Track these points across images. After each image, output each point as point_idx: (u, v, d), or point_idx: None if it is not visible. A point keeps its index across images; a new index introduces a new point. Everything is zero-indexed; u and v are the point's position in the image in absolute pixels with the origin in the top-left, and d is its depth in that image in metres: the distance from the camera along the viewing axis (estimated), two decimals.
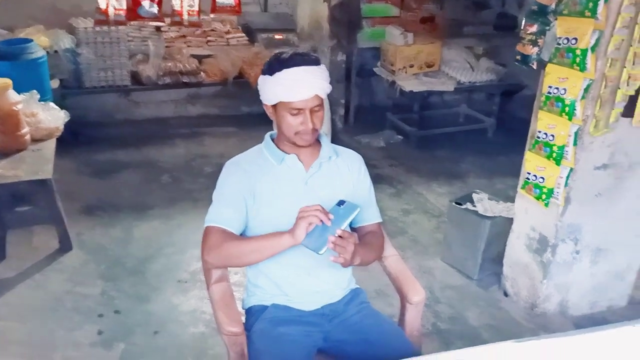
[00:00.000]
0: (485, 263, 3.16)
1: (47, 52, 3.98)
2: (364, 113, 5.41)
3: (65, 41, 4.15)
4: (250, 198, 1.76)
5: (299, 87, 1.67)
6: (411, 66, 4.81)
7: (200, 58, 4.77)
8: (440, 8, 5.26)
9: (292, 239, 1.60)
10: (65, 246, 3.23)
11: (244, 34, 4.98)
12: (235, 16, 5.13)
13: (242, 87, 4.92)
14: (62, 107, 3.33)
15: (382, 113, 5.26)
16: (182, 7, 3.89)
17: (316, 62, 1.73)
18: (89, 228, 3.46)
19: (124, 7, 3.84)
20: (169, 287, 2.99)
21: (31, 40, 3.60)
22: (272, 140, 1.84)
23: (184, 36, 4.78)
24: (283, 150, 1.80)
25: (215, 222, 1.73)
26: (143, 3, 3.76)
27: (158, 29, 4.73)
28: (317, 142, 1.84)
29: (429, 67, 4.89)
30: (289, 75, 1.68)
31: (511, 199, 3.16)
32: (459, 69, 4.91)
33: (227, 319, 1.71)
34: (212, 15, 3.99)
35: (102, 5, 3.83)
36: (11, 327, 2.64)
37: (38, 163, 2.93)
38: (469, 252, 3.16)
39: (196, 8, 3.93)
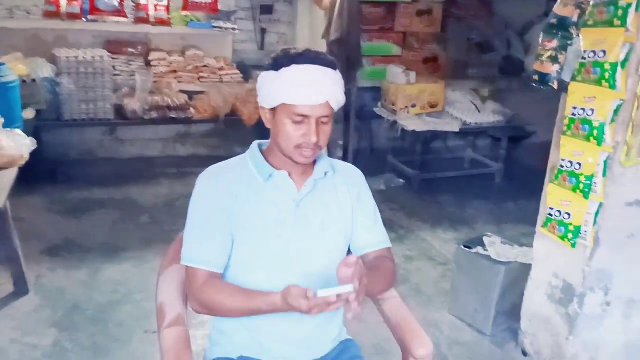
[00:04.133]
0: (500, 316, 2.75)
1: (24, 81, 3.72)
2: (364, 156, 5.10)
3: (45, 70, 3.90)
4: (233, 221, 1.42)
5: (307, 88, 1.34)
6: (414, 106, 4.54)
7: (190, 94, 4.51)
8: (444, 49, 5.06)
9: (284, 310, 1.34)
10: (20, 289, 2.84)
11: (238, 71, 4.75)
12: (230, 55, 4.94)
13: (234, 125, 4.64)
14: (38, 141, 3.01)
15: (383, 156, 4.97)
16: (148, 1, 3.48)
17: (332, 64, 1.40)
18: (51, 270, 3.08)
19: None
20: (134, 338, 2.58)
21: (2, 64, 3.34)
22: (261, 151, 1.49)
23: (174, 71, 4.54)
24: (272, 165, 1.45)
25: (196, 262, 1.40)
26: None
27: (148, 63, 4.50)
28: None
29: (433, 107, 4.62)
30: (297, 73, 1.35)
31: (524, 247, 2.81)
32: (464, 110, 4.65)
33: None
34: (183, 13, 3.62)
35: None
36: None
37: None
38: (481, 304, 2.76)
39: (165, 3, 3.52)
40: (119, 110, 4.25)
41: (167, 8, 3.52)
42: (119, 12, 3.48)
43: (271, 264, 1.43)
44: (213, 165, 1.50)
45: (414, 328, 1.51)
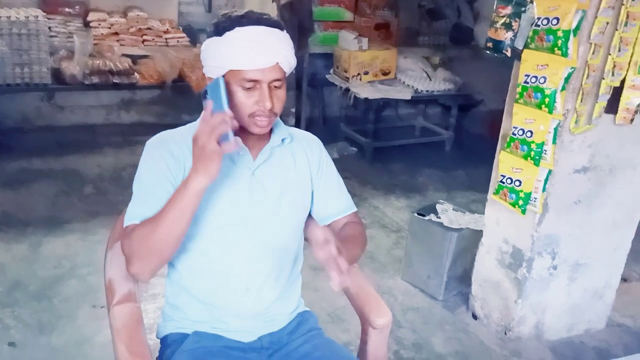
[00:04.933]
0: (451, 281, 2.81)
1: None
2: (316, 124, 5.06)
3: None
4: None
5: (255, 51, 1.26)
6: (366, 73, 4.51)
7: (134, 58, 4.30)
8: (395, 15, 5.01)
9: (205, 180, 1.22)
10: None
11: (184, 35, 4.56)
12: (176, 17, 4.73)
13: (182, 92, 4.47)
14: None
15: (335, 124, 4.95)
16: None
17: (278, 25, 1.32)
18: None
19: None
20: (80, 314, 2.48)
21: None
22: None
23: (116, 33, 4.31)
24: None
25: (136, 220, 1.29)
26: None
27: (87, 24, 4.25)
28: None
29: (385, 74, 4.60)
30: (243, 35, 1.26)
31: (472, 213, 2.86)
32: (415, 77, 4.65)
33: (128, 352, 1.26)
34: None
35: None
36: None
37: None
38: (433, 270, 2.81)
39: None
40: (57, 74, 4.01)
41: None
42: None
43: (226, 234, 1.37)
44: (162, 132, 1.41)
45: (372, 298, 1.50)
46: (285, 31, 1.35)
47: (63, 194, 3.54)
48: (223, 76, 1.30)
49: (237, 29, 1.27)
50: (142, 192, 1.34)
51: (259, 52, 1.26)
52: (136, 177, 1.37)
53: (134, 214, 1.31)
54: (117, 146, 4.31)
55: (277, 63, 1.29)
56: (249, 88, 1.28)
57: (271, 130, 1.43)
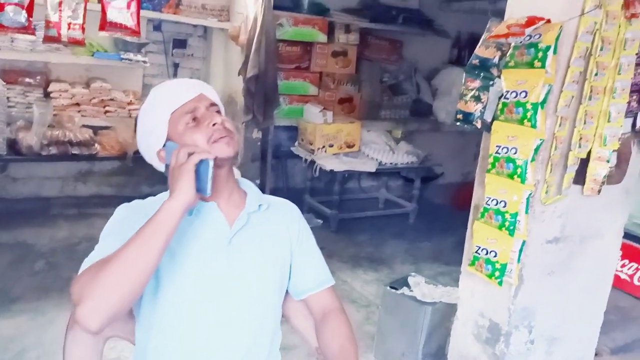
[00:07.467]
0: (427, 359, 2.70)
1: None
2: (280, 195, 4.93)
3: None
4: None
5: (178, 88, 1.33)
6: (331, 146, 4.53)
7: (95, 129, 4.21)
8: (358, 90, 5.13)
9: (180, 198, 1.15)
10: None
11: None
12: (140, 89, 4.70)
13: (143, 163, 4.33)
14: None
15: (300, 196, 4.89)
16: (60, 18, 3.08)
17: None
18: None
19: None
20: None
21: None
22: None
23: (77, 104, 4.22)
24: (200, 198, 1.29)
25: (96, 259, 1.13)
26: (7, 8, 2.87)
27: (47, 94, 4.16)
28: (242, 190, 1.39)
29: (349, 147, 4.63)
30: (164, 85, 1.35)
31: (443, 285, 2.81)
32: (379, 150, 4.71)
33: None
34: (101, 34, 3.25)
35: None
36: None
37: None
38: (407, 346, 2.70)
39: (80, 21, 3.11)
40: (13, 145, 3.86)
41: (83, 27, 3.11)
42: (26, 28, 2.99)
43: (201, 309, 1.26)
44: (135, 200, 1.34)
45: None
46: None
47: (12, 270, 3.31)
48: (168, 139, 1.29)
49: (157, 86, 1.36)
50: (105, 240, 1.22)
51: (182, 88, 1.33)
52: (102, 238, 1.26)
53: (91, 260, 1.16)
54: (72, 219, 4.12)
55: (202, 93, 1.31)
56: (193, 119, 1.28)
57: (244, 195, 1.38)
